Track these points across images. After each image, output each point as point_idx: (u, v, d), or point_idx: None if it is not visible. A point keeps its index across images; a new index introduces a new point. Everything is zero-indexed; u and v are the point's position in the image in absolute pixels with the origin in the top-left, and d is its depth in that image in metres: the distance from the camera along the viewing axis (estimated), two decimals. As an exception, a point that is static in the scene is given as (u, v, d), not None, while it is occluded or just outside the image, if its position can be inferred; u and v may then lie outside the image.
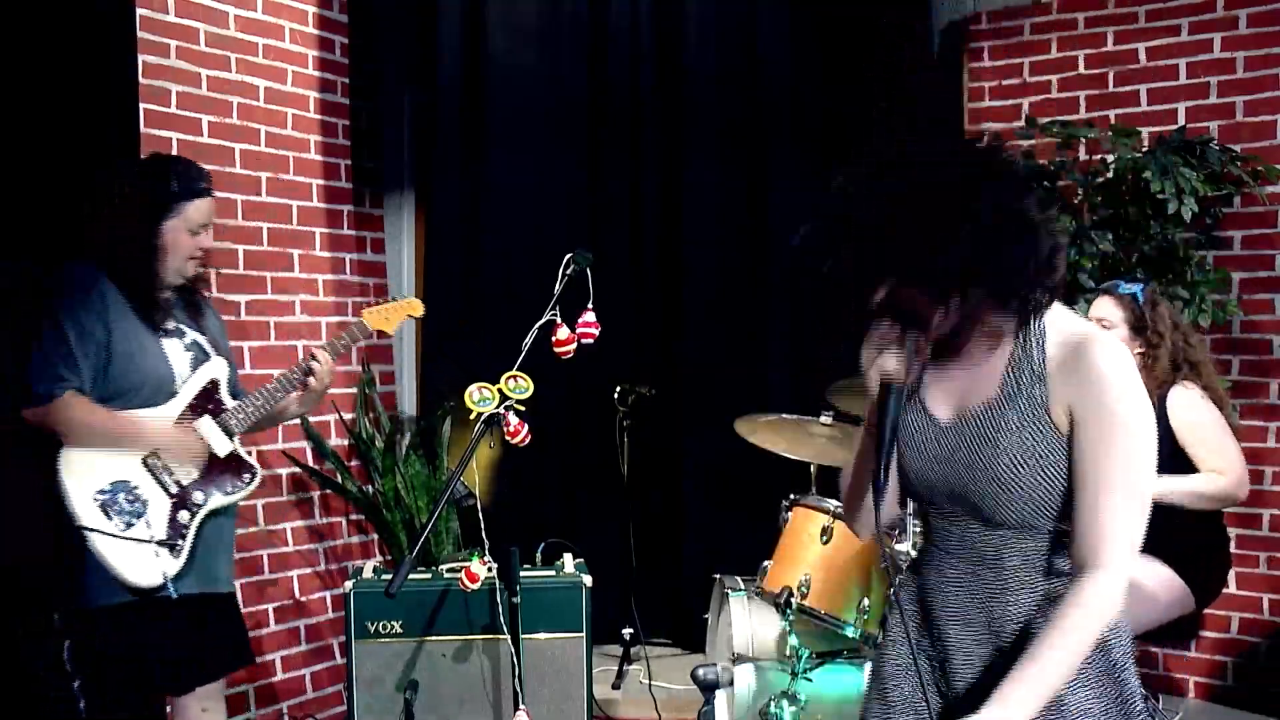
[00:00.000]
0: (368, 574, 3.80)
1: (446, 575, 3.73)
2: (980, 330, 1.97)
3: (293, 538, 4.61)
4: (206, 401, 3.27)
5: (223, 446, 3.26)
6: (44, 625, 3.07)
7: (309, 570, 4.67)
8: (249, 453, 3.37)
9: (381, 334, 3.71)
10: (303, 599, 4.62)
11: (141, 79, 4.06)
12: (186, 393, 3.24)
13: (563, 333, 3.23)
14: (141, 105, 4.05)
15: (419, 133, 5.35)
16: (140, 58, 4.05)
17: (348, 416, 4.85)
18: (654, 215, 5.43)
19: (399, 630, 3.66)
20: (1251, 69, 4.62)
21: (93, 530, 3.02)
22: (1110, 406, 1.87)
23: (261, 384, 3.39)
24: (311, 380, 3.44)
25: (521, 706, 3.45)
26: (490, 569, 3.47)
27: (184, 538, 3.17)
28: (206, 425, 3.24)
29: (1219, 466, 3.58)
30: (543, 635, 3.68)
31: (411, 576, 3.63)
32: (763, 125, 5.37)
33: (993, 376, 1.97)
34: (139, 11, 4.05)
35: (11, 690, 3.22)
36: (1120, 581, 1.87)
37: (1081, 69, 4.96)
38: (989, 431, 1.94)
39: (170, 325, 3.24)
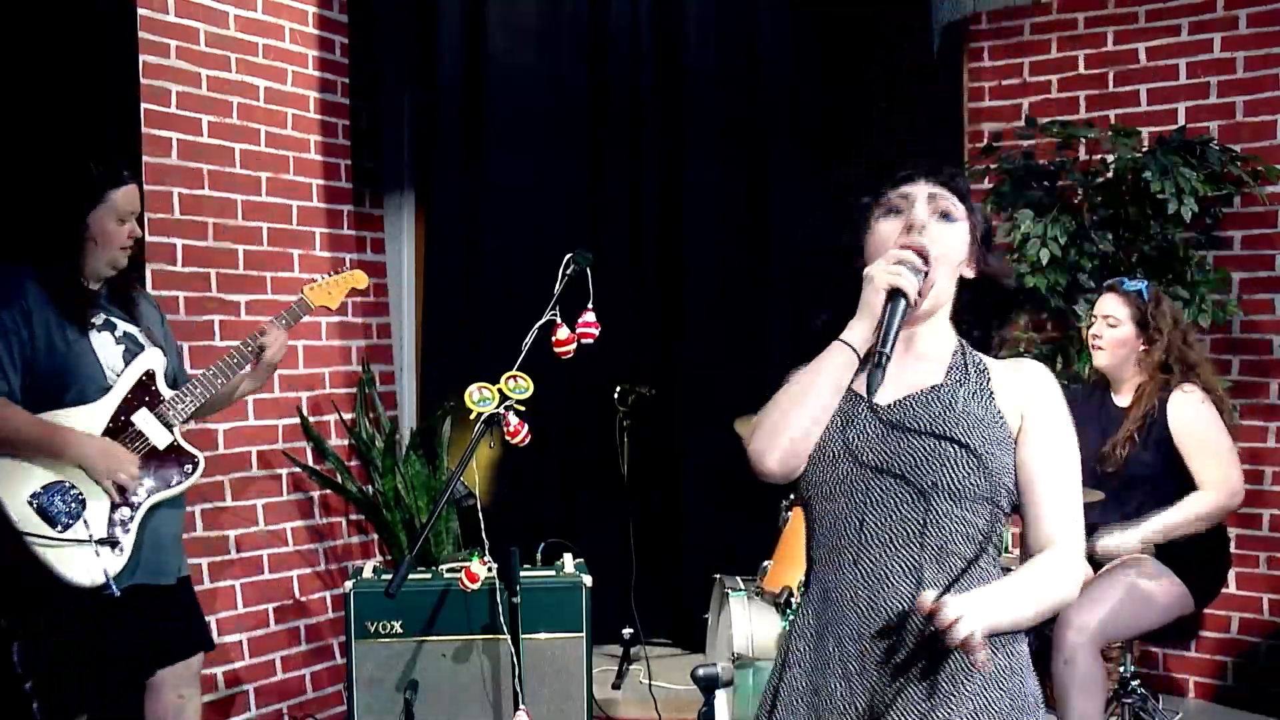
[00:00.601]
0: (368, 574, 3.80)
1: (446, 575, 3.73)
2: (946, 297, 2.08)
3: (293, 538, 4.61)
4: (143, 394, 3.22)
5: (161, 439, 3.22)
6: None
7: (309, 570, 4.66)
8: (194, 442, 3.35)
9: (325, 308, 3.71)
10: (303, 599, 4.62)
11: (142, 79, 4.06)
12: (121, 387, 3.19)
13: (563, 333, 3.23)
14: (142, 105, 4.05)
15: (419, 133, 5.35)
16: (140, 58, 4.05)
17: (348, 416, 4.85)
18: (654, 215, 5.43)
19: (399, 630, 3.66)
20: (1251, 69, 4.62)
21: (29, 535, 2.98)
22: (1061, 411, 2.03)
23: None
24: (266, 354, 3.42)
25: (521, 706, 3.45)
26: (490, 569, 3.47)
27: (126, 533, 3.13)
28: (143, 418, 3.20)
29: (1214, 479, 3.54)
30: (543, 635, 3.68)
31: (411, 576, 3.63)
32: (763, 125, 5.37)
33: (937, 366, 2.06)
34: (139, 11, 4.05)
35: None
36: (1080, 564, 1.97)
37: (1081, 69, 4.97)
38: (943, 401, 1.99)
39: (99, 319, 3.19)
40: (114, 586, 3.05)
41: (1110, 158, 4.62)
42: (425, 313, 5.27)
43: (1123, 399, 3.72)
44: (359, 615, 3.65)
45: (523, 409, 3.20)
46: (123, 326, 3.25)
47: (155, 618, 3.24)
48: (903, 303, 1.98)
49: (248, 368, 3.43)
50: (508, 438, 3.22)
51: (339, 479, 4.67)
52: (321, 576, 4.71)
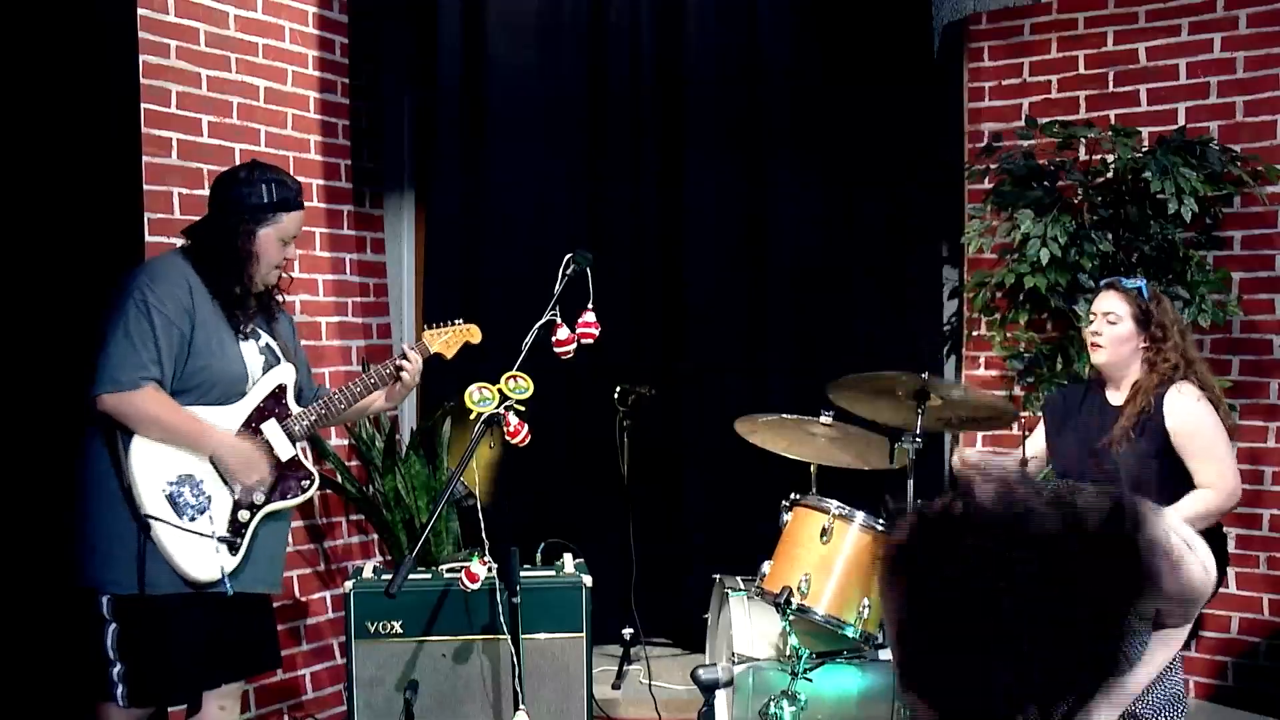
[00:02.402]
0: (368, 574, 3.80)
1: (446, 575, 3.73)
2: None
3: (293, 538, 4.60)
4: (274, 405, 3.30)
5: (285, 451, 3.29)
6: (88, 608, 3.07)
7: (309, 570, 4.66)
8: (307, 458, 3.41)
9: (440, 357, 3.65)
10: (303, 599, 4.62)
11: (142, 79, 4.06)
12: (254, 395, 3.27)
13: (563, 333, 3.23)
14: (142, 105, 4.05)
15: (419, 133, 5.35)
16: (140, 58, 4.05)
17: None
18: (654, 215, 5.43)
19: (399, 630, 3.66)
20: (1251, 69, 4.62)
21: (158, 520, 3.04)
22: None
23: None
24: (405, 377, 3.50)
25: (521, 706, 3.45)
26: (490, 569, 3.47)
27: (242, 536, 3.19)
28: (271, 429, 3.28)
29: (1210, 479, 3.51)
30: (543, 635, 3.68)
31: (411, 576, 3.62)
32: (763, 125, 5.37)
33: None
34: (139, 11, 4.05)
35: (49, 670, 3.22)
36: None
37: (1081, 69, 4.96)
38: None
39: (249, 328, 3.28)
40: (228, 584, 3.11)
41: (1110, 158, 4.62)
42: (425, 313, 5.26)
43: (1117, 397, 3.70)
44: (359, 615, 3.66)
45: (523, 409, 3.21)
46: (265, 338, 3.34)
47: (249, 626, 3.28)
48: None
49: (382, 391, 3.54)
50: (508, 438, 3.23)
51: (339, 479, 4.67)
52: (321, 576, 4.71)
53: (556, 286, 3.23)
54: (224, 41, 4.37)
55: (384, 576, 3.73)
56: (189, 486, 3.12)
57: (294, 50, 4.66)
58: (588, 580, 3.73)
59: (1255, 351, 4.63)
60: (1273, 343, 4.61)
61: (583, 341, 3.29)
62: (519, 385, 3.20)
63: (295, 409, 3.34)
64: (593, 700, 3.75)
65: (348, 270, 4.92)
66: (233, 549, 3.15)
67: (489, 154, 5.25)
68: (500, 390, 3.19)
